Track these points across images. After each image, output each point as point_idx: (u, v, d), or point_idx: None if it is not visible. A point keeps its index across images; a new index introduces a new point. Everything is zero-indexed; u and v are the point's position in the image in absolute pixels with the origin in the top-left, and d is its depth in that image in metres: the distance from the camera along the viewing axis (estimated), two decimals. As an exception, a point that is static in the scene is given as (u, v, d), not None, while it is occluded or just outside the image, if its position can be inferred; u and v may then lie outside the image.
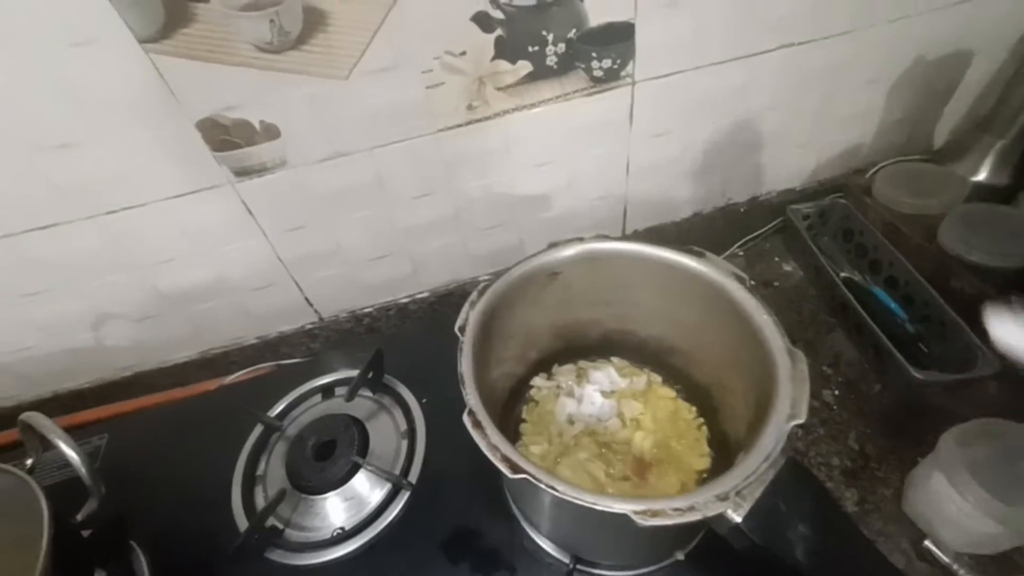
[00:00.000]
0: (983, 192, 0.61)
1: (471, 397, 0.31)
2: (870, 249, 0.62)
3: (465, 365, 0.33)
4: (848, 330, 0.60)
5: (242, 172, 0.50)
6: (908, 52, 0.59)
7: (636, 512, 0.25)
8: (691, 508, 0.25)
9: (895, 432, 0.52)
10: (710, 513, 0.25)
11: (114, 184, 0.48)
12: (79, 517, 0.42)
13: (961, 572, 0.42)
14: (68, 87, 0.41)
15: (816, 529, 0.25)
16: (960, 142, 0.65)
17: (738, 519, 0.25)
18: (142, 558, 0.49)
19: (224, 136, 0.47)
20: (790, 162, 0.68)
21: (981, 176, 0.62)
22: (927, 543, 0.43)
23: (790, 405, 0.28)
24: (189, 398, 0.63)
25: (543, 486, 0.26)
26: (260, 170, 0.50)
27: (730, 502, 0.25)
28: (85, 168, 0.46)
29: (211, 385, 0.65)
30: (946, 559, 0.42)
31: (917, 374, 0.49)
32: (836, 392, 0.56)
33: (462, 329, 0.34)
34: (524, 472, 0.27)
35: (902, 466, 0.49)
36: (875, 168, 0.66)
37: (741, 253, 0.72)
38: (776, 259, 0.71)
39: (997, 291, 0.51)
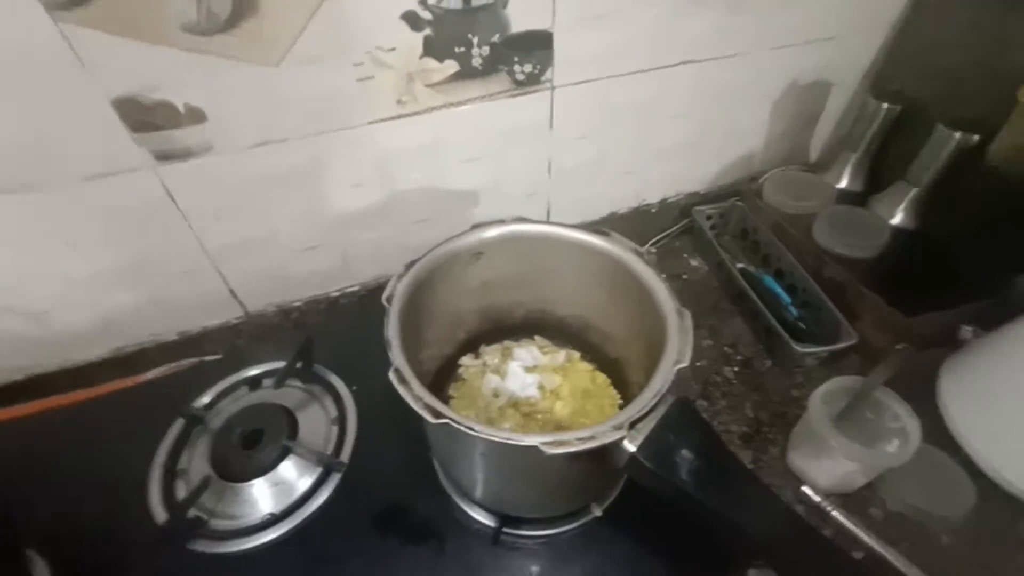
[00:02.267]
0: (845, 196, 0.72)
1: (397, 357, 0.33)
2: (763, 245, 0.71)
3: (392, 331, 0.35)
4: (745, 315, 0.68)
5: (164, 156, 0.49)
6: (785, 77, 0.69)
7: (544, 443, 0.28)
8: (591, 437, 0.28)
9: (783, 400, 0.60)
10: (607, 440, 0.28)
11: (19, 157, 0.45)
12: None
13: (829, 508, 0.48)
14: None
15: (699, 454, 0.30)
16: (827, 156, 0.76)
17: (633, 448, 0.29)
18: (44, 567, 0.46)
19: (145, 117, 0.46)
20: (697, 167, 0.76)
21: (843, 183, 0.73)
22: (803, 488, 0.50)
23: (676, 352, 0.33)
24: (99, 397, 0.59)
25: (462, 427, 0.29)
26: (184, 155, 0.50)
27: (624, 431, 0.29)
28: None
29: (127, 383, 0.61)
30: (817, 499, 0.49)
31: (798, 347, 0.57)
32: (735, 369, 0.63)
33: (389, 299, 0.36)
34: (445, 417, 0.29)
35: (787, 428, 0.56)
36: (764, 176, 0.76)
37: (654, 251, 0.79)
38: (684, 255, 0.78)
39: (857, 277, 0.60)
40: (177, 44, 0.43)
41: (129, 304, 0.59)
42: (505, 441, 0.28)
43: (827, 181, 0.73)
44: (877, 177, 0.72)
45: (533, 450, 0.28)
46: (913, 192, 0.66)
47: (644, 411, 0.29)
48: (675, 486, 0.29)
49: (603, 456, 0.29)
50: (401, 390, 0.31)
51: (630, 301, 0.39)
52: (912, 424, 0.47)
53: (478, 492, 0.43)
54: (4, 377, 0.60)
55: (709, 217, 0.77)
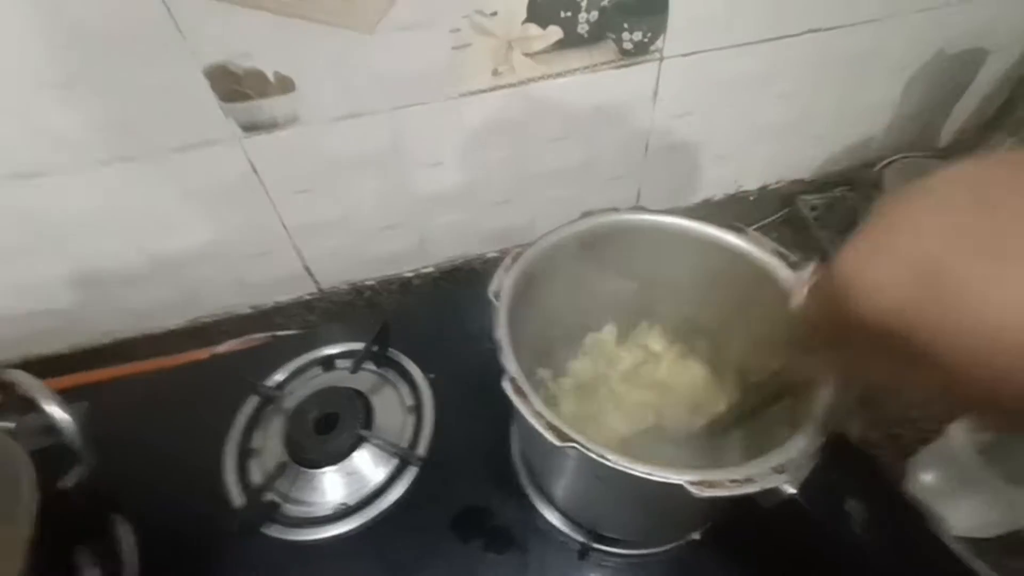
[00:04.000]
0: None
1: (510, 363, 0.29)
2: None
3: (502, 331, 0.31)
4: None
5: (250, 127, 0.47)
6: (930, 45, 0.59)
7: (691, 483, 0.24)
8: (748, 480, 0.24)
9: (896, 418, 0.53)
10: (768, 485, 0.24)
11: (107, 132, 0.44)
12: (67, 484, 0.39)
13: (963, 555, 0.42)
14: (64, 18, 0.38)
15: (871, 501, 0.25)
16: (966, 141, 0.66)
17: (793, 490, 0.25)
18: (130, 534, 0.46)
19: (235, 86, 0.44)
20: (803, 152, 0.68)
21: (988, 175, 0.63)
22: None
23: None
24: (177, 367, 0.60)
25: (593, 455, 0.25)
26: (270, 126, 0.47)
27: (786, 475, 0.24)
28: (79, 114, 0.42)
29: (202, 354, 0.61)
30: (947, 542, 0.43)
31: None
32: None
33: (496, 294, 0.33)
34: (572, 441, 0.26)
35: (902, 452, 0.49)
36: (884, 162, 0.67)
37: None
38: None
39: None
40: (268, 6, 0.39)
41: (209, 276, 0.58)
42: (647, 477, 0.24)
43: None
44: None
45: (676, 487, 0.24)
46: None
47: (812, 447, 0.25)
48: (838, 537, 0.25)
49: (752, 497, 0.25)
50: (518, 401, 0.27)
51: (767, 307, 0.34)
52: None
53: (573, 508, 0.40)
54: (94, 340, 0.61)
55: (813, 208, 0.69)
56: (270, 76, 0.44)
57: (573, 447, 0.25)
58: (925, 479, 0.46)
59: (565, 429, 0.26)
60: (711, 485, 0.24)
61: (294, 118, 0.47)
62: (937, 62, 0.61)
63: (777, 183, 0.71)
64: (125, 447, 0.52)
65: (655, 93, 0.55)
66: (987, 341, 0.17)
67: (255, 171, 0.50)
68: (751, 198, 0.71)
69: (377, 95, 0.48)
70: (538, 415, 0.27)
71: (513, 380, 0.28)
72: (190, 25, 0.39)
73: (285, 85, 0.45)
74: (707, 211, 0.69)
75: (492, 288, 0.33)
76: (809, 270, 0.26)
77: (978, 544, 0.44)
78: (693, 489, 0.24)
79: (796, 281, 0.26)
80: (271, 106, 0.46)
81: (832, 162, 0.70)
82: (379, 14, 0.42)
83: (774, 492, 0.25)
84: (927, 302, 0.18)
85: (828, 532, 0.25)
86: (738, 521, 0.43)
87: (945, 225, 0.18)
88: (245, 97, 0.45)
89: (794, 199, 0.70)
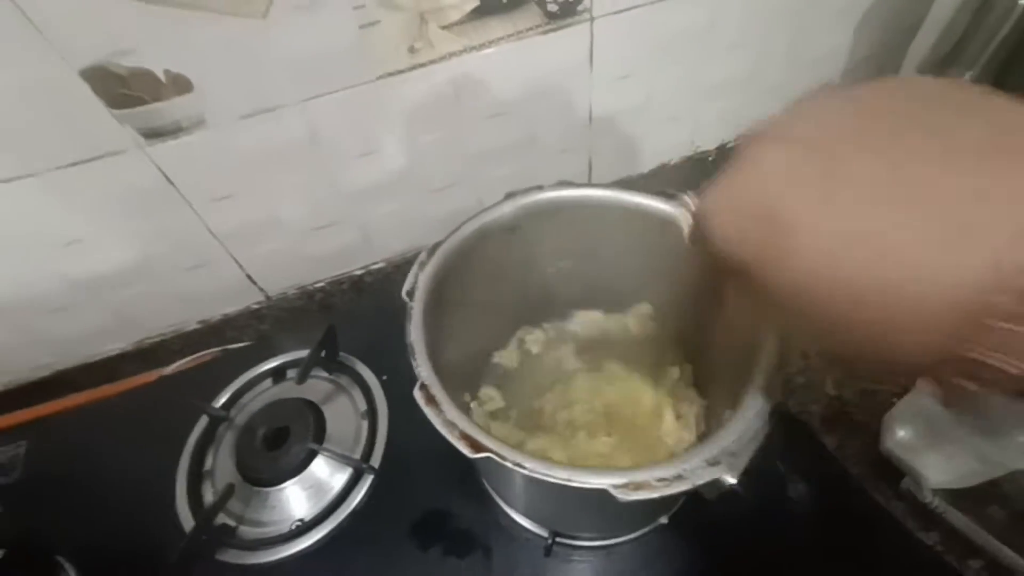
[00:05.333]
0: (952, 128, 0.59)
1: (423, 369, 0.27)
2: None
3: (415, 334, 0.28)
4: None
5: (152, 134, 0.43)
6: (876, -18, 0.56)
7: (616, 486, 0.22)
8: (678, 477, 0.22)
9: (871, 376, 0.51)
10: (700, 481, 0.22)
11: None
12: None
13: (940, 506, 0.41)
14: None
15: (817, 487, 0.23)
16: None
17: (733, 480, 0.22)
18: (72, 574, 0.44)
19: (122, 89, 0.40)
20: (759, 105, 0.65)
21: (948, 111, 0.60)
22: (905, 482, 0.43)
23: (777, 354, 0.26)
24: (124, 392, 0.57)
25: (509, 464, 0.23)
26: (174, 130, 0.44)
27: (721, 467, 0.22)
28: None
29: (149, 377, 0.59)
30: (926, 497, 0.41)
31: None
32: (811, 340, 0.55)
33: (410, 293, 0.30)
34: (487, 451, 0.23)
35: (879, 408, 0.48)
36: (843, 109, 0.64)
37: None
38: (746, 209, 0.68)
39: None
40: (140, -5, 0.35)
41: (143, 295, 0.55)
42: (566, 483, 0.22)
43: (925, 111, 0.61)
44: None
45: (601, 492, 0.22)
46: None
47: (744, 438, 0.23)
48: (785, 526, 0.23)
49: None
50: (428, 412, 0.25)
51: (708, 275, 0.31)
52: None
53: (529, 511, 0.38)
54: (31, 375, 0.58)
55: (775, 163, 0.66)
56: (160, 76, 0.40)
57: (488, 457, 0.23)
58: (899, 435, 0.45)
59: (480, 438, 0.24)
60: (637, 487, 0.22)
61: (200, 120, 0.44)
62: (885, 1, 0.57)
63: (737, 140, 0.68)
64: (69, 483, 0.50)
65: (590, 57, 0.51)
66: (823, 283, 0.16)
67: (169, 180, 0.47)
68: (710, 158, 0.68)
69: (285, 86, 0.44)
70: (450, 425, 0.24)
71: (425, 387, 0.26)
72: (45, 19, 0.35)
73: (181, 85, 0.41)
74: (664, 176, 0.66)
75: (406, 287, 0.30)
76: (689, 203, 0.24)
77: (954, 494, 0.43)
78: (618, 493, 0.22)
79: (682, 216, 0.24)
80: (170, 109, 0.42)
81: (790, 113, 0.67)
82: (268, -5, 0.38)
83: (714, 484, 0.23)
84: (765, 244, 0.17)
85: (770, 520, 0.23)
86: (706, 502, 0.41)
87: (783, 162, 0.17)
88: (138, 101, 0.41)
89: (754, 155, 0.67)
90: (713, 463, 0.22)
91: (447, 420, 0.25)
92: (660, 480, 0.22)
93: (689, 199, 0.26)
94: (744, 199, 0.18)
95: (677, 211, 0.32)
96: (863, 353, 0.17)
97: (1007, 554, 0.39)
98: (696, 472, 0.22)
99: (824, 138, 0.17)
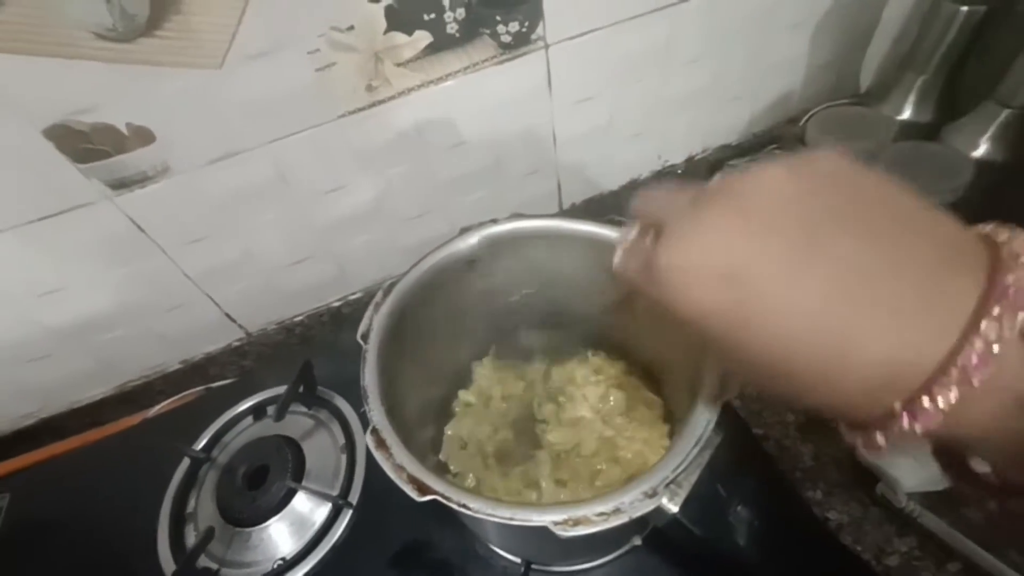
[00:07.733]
0: (909, 130, 0.60)
1: (375, 413, 0.27)
2: (809, 199, 0.61)
3: (369, 377, 0.29)
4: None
5: (118, 184, 0.44)
6: (825, -9, 0.57)
7: (556, 523, 0.22)
8: (616, 511, 0.22)
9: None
10: (637, 514, 0.22)
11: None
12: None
13: (915, 510, 0.41)
14: None
15: (760, 510, 0.23)
16: (884, 82, 0.64)
17: (675, 509, 0.23)
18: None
19: (86, 144, 0.41)
20: (723, 116, 0.66)
21: (906, 114, 0.61)
22: (880, 488, 0.43)
23: (719, 381, 0.26)
24: (107, 438, 0.58)
25: (454, 506, 0.23)
26: (141, 180, 0.45)
27: (658, 498, 0.22)
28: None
29: (132, 420, 0.59)
30: (900, 501, 0.41)
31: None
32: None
33: (365, 336, 0.31)
34: (433, 493, 0.24)
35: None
36: (807, 116, 0.65)
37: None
38: (718, 219, 0.69)
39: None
40: (96, 56, 0.37)
41: (123, 339, 0.56)
42: (507, 522, 0.22)
43: (885, 114, 0.61)
44: (952, 102, 0.59)
45: (543, 530, 0.22)
46: (1004, 115, 0.52)
47: (684, 466, 0.23)
48: (730, 554, 0.23)
49: (636, 520, 0.23)
50: (379, 456, 0.25)
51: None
52: None
53: (498, 543, 0.38)
54: (15, 424, 0.58)
55: (744, 172, 0.67)
56: (123, 129, 0.41)
57: (435, 499, 0.24)
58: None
59: (427, 481, 0.24)
60: (576, 523, 0.22)
61: (164, 168, 0.45)
62: (838, 8, 0.58)
63: (704, 152, 0.69)
64: (52, 531, 0.50)
65: (548, 82, 0.52)
66: (783, 351, 0.18)
67: (139, 227, 0.48)
68: (679, 171, 0.69)
69: (249, 130, 0.45)
70: (399, 468, 0.25)
71: (376, 432, 0.26)
72: (2, 84, 0.36)
73: (143, 136, 0.42)
74: (634, 192, 0.67)
75: (361, 330, 0.31)
76: (632, 232, 0.25)
77: (928, 497, 0.43)
78: (557, 530, 0.22)
79: (618, 239, 0.25)
80: (135, 160, 0.43)
81: (755, 122, 0.68)
82: (221, 47, 0.39)
83: (658, 512, 0.24)
84: (729, 305, 0.18)
85: (712, 547, 0.23)
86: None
87: (749, 232, 0.18)
88: (102, 155, 0.42)
89: (723, 165, 0.68)
90: (651, 495, 0.22)
91: (395, 464, 0.25)
92: (599, 515, 0.22)
93: (625, 230, 0.26)
94: (710, 261, 0.18)
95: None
96: (802, 403, 0.19)
97: (983, 556, 0.39)
98: (634, 505, 0.22)
99: (785, 209, 0.18)
